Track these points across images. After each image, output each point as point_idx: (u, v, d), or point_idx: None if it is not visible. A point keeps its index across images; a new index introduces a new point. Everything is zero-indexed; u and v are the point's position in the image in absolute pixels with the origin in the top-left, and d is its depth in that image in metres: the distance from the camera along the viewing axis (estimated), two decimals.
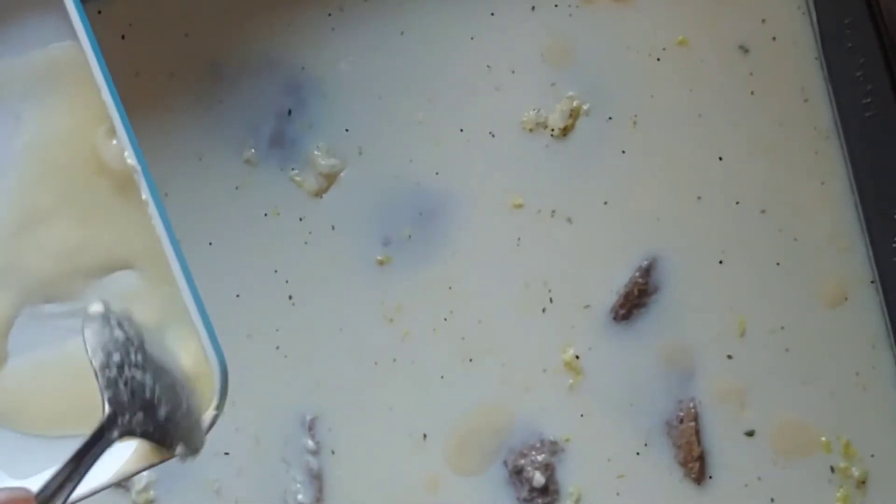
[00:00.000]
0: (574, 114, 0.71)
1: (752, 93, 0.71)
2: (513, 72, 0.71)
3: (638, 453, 0.70)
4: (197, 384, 0.53)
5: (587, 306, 0.70)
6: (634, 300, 0.70)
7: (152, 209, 0.52)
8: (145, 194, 0.52)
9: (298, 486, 0.70)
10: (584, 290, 0.70)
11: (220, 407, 0.52)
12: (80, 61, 0.54)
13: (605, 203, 0.71)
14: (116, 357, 0.49)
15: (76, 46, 0.54)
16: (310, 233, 0.70)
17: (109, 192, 0.55)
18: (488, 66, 0.71)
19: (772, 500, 0.70)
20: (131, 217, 0.55)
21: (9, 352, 0.56)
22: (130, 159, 0.52)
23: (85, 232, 0.55)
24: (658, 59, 0.71)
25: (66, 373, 0.55)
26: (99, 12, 0.70)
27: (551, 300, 0.70)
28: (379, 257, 0.70)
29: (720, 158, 0.71)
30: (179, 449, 0.51)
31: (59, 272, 0.55)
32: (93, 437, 0.49)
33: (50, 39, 0.55)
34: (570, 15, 0.71)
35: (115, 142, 0.54)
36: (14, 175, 0.55)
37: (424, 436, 0.70)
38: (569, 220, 0.71)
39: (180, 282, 0.52)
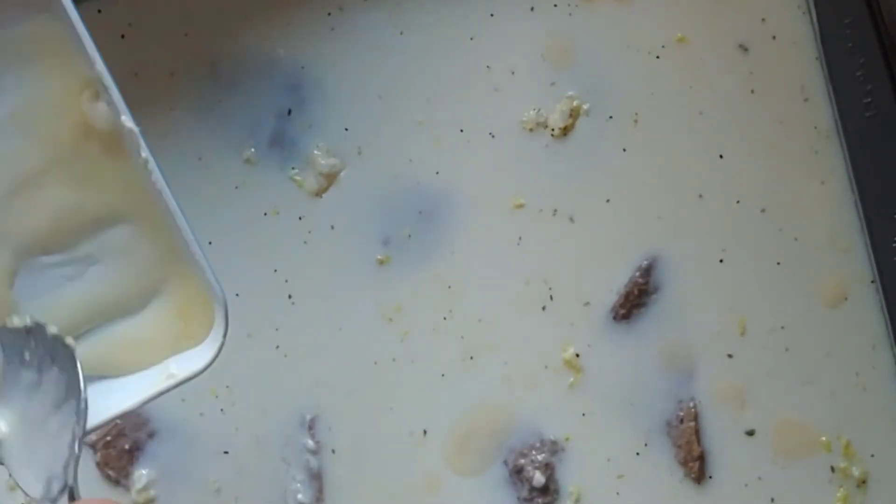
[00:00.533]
0: (574, 113, 0.71)
1: (753, 91, 0.71)
2: (512, 72, 0.71)
3: (638, 453, 0.70)
4: (194, 318, 0.57)
5: (587, 303, 0.70)
6: (634, 300, 0.70)
7: (152, 164, 0.54)
8: (145, 152, 0.54)
9: (298, 485, 0.70)
10: (584, 289, 0.70)
11: (224, 334, 0.55)
12: (58, 32, 0.55)
13: (608, 201, 0.71)
14: None
15: (53, 18, 0.55)
16: (309, 232, 0.70)
17: (98, 153, 0.56)
18: (488, 66, 0.71)
19: (772, 500, 0.70)
20: (120, 174, 0.56)
21: (17, 301, 0.57)
22: (128, 122, 0.54)
23: (77, 192, 0.56)
24: (658, 57, 0.71)
25: (64, 320, 0.56)
26: (99, 11, 0.69)
27: (551, 297, 0.70)
28: (379, 257, 0.70)
29: (721, 156, 0.71)
30: None
31: (55, 229, 0.56)
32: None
33: (26, 14, 0.56)
34: (570, 14, 0.71)
35: (101, 104, 0.55)
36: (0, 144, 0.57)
37: (424, 434, 0.70)
38: (571, 219, 0.71)
39: (181, 224, 0.54)
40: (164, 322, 0.57)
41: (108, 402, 0.55)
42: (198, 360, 0.56)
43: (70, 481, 0.52)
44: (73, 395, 0.54)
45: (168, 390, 0.56)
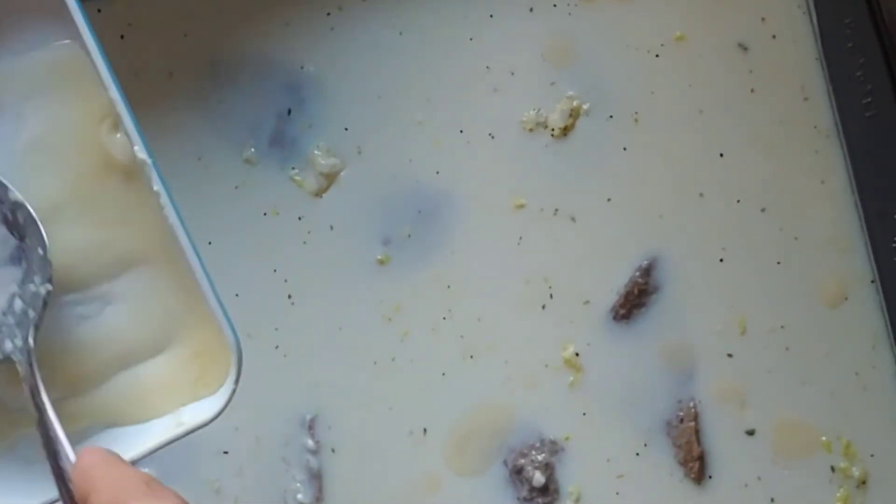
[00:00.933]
0: (574, 113, 0.71)
1: (752, 90, 0.71)
2: (512, 72, 0.71)
3: (638, 453, 0.70)
4: (210, 363, 0.56)
5: (587, 302, 0.70)
6: (634, 300, 0.70)
7: (164, 199, 0.53)
8: (157, 186, 0.53)
9: (298, 485, 0.70)
10: (584, 289, 0.71)
11: (237, 382, 0.55)
12: (80, 60, 0.54)
13: (608, 201, 0.71)
14: None
15: (74, 45, 0.54)
16: (309, 232, 0.70)
17: (118, 188, 0.56)
18: (487, 66, 0.71)
19: (772, 500, 0.70)
20: (140, 211, 0.55)
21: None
22: (141, 153, 0.53)
23: (97, 229, 0.56)
24: (657, 56, 0.71)
25: (79, 363, 0.56)
26: (98, 11, 0.69)
27: (551, 296, 0.70)
28: (378, 257, 0.70)
29: (721, 155, 0.71)
30: None
31: (73, 267, 0.55)
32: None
33: (48, 40, 0.55)
34: (570, 14, 0.71)
35: (119, 135, 0.55)
36: (19, 175, 0.56)
37: (424, 434, 0.70)
38: (571, 218, 0.71)
39: (194, 266, 0.53)
40: (180, 368, 0.56)
41: (116, 448, 0.54)
42: (210, 407, 0.55)
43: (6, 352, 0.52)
44: (18, 263, 0.53)
45: (177, 439, 0.54)
